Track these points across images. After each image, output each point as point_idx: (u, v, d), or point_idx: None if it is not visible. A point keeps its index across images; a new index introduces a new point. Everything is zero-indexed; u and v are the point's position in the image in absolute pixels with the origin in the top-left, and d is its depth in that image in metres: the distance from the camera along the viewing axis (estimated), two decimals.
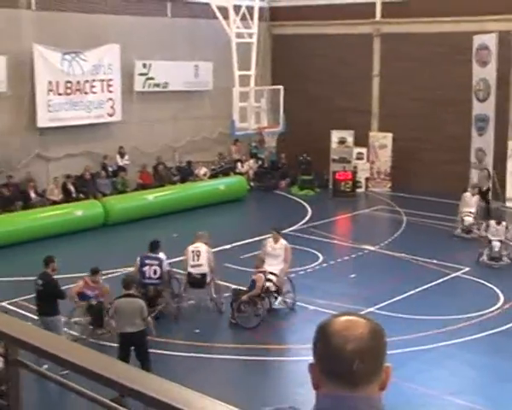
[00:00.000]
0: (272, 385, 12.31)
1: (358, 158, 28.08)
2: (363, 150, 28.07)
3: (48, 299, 12.36)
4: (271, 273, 14.91)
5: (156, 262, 14.50)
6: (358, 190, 27.22)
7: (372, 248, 19.98)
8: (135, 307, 11.46)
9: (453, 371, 12.77)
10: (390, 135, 27.54)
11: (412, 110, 26.85)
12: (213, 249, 15.82)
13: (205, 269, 14.93)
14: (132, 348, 11.42)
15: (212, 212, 23.71)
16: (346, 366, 2.03)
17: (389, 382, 2.10)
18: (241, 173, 27.69)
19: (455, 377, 12.56)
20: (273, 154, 28.90)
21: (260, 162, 28.82)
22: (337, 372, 2.05)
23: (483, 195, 22.56)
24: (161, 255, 14.93)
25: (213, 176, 27.05)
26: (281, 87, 25.34)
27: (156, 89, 26.25)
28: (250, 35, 25.05)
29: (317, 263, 18.51)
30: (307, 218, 23.40)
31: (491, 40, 24.29)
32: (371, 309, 14.65)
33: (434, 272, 17.77)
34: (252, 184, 27.68)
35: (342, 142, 28.31)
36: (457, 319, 14.65)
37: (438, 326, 14.31)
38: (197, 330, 14.30)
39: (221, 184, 25.82)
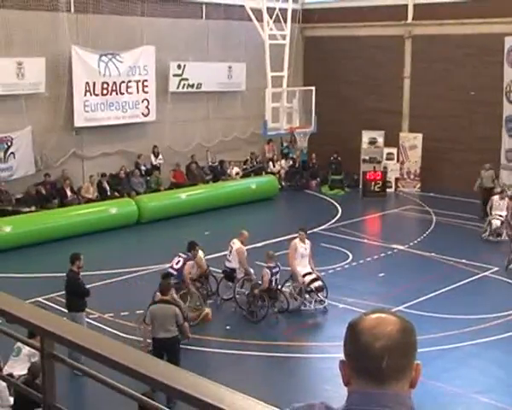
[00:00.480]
0: (301, 382, 12.34)
1: (388, 158, 27.93)
2: (394, 151, 27.91)
3: (72, 295, 12.53)
4: (310, 273, 15.18)
5: (184, 256, 14.66)
6: (388, 190, 27.07)
7: (401, 247, 19.88)
8: (168, 314, 11.37)
9: (480, 369, 12.67)
10: (420, 136, 27.36)
11: (442, 111, 26.65)
12: (245, 247, 15.88)
13: (232, 264, 15.39)
14: (165, 353, 11.37)
15: (243, 210, 23.79)
16: (375, 363, 2.03)
17: (419, 379, 2.09)
18: (272, 173, 27.71)
19: (481, 375, 12.46)
20: (304, 154, 28.84)
21: (291, 162, 28.82)
22: (366, 369, 2.05)
23: (488, 193, 22.30)
24: (200, 253, 15.10)
25: (245, 175, 27.10)
26: (313, 88, 25.26)
27: (190, 89, 26.30)
28: (283, 37, 25.02)
29: (346, 262, 18.47)
30: (337, 217, 23.36)
31: None
32: (400, 308, 14.57)
33: (463, 271, 17.64)
34: (283, 183, 27.69)
35: (372, 142, 28.19)
36: (485, 319, 14.53)
37: (465, 325, 14.21)
38: (228, 327, 14.36)
39: (253, 183, 25.85)
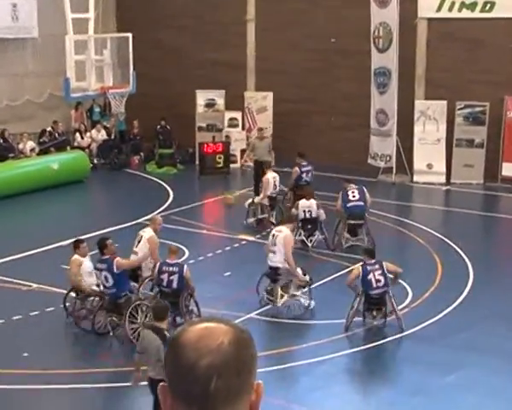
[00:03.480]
0: None
1: (231, 125, 28.33)
2: (238, 115, 28.31)
3: None
4: None
5: (104, 266, 14.60)
6: (233, 166, 27.49)
7: (251, 238, 20.20)
8: (152, 347, 10.99)
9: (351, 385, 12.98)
10: (270, 95, 27.82)
11: (297, 64, 27.24)
12: (49, 246, 15.56)
13: (138, 256, 15.69)
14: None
15: (43, 198, 23.80)
16: (202, 386, 2.05)
17: (260, 403, 2.12)
18: (81, 148, 27.56)
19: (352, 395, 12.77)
20: (121, 122, 28.77)
21: (105, 133, 28.65)
22: (190, 395, 2.07)
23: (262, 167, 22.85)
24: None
25: (44, 151, 26.83)
26: (129, 35, 25.02)
27: None
28: None
29: (182, 260, 18.40)
30: (168, 203, 23.50)
31: None
32: (252, 315, 14.77)
33: (331, 264, 18.09)
34: (95, 160, 27.73)
35: (210, 105, 28.49)
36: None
37: (331, 333, 14.49)
38: (25, 354, 13.87)
39: (54, 161, 25.67)
